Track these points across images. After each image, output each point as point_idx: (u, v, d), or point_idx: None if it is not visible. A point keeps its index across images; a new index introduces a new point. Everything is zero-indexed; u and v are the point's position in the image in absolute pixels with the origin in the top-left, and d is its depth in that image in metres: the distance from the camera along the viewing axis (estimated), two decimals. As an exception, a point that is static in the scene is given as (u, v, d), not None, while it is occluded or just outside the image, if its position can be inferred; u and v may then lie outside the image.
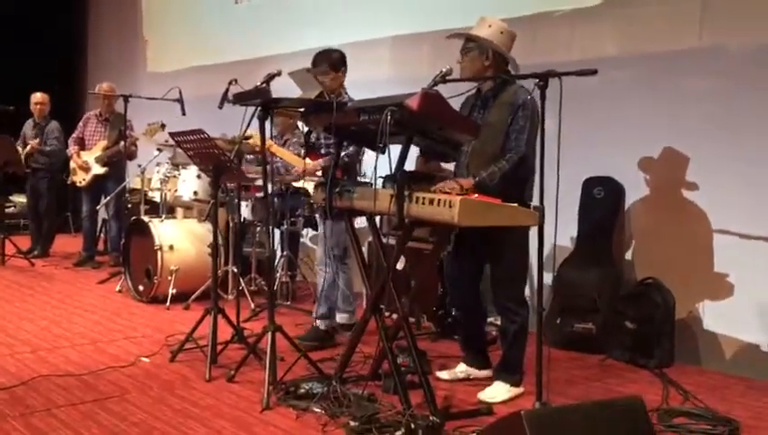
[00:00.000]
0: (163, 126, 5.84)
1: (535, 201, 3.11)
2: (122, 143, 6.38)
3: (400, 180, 2.92)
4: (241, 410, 3.22)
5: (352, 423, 2.97)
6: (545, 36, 4.86)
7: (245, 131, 4.11)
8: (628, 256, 4.51)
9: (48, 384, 3.50)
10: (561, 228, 4.46)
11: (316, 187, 3.71)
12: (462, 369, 3.75)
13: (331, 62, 4.21)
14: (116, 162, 6.65)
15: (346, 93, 4.21)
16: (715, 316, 4.11)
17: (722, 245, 4.07)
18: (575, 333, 4.39)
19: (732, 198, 4.00)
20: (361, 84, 5.22)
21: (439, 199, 2.81)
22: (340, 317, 4.41)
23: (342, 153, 4.11)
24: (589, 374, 3.93)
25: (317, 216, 4.39)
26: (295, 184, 4.46)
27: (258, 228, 5.60)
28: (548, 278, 4.54)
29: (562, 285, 4.51)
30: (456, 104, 3.47)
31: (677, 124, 4.22)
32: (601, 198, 4.53)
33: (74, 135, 6.98)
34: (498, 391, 3.43)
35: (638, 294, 4.23)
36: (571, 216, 4.58)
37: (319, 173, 4.25)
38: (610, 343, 4.23)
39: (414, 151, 3.43)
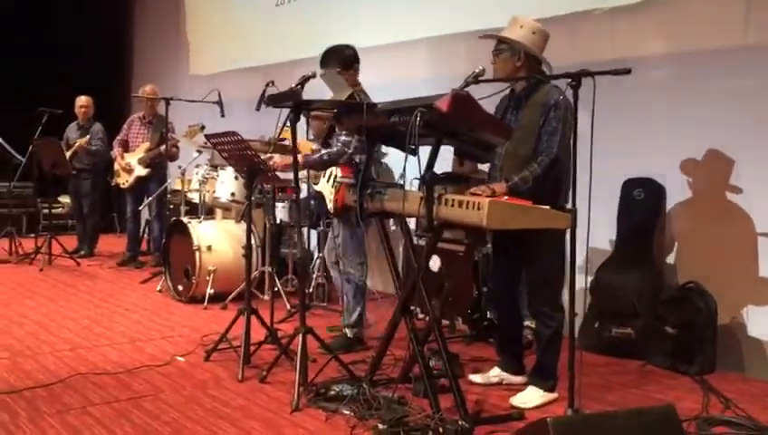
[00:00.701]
0: (203, 128, 5.90)
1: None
2: (164, 145, 6.48)
3: (429, 182, 2.90)
4: (271, 411, 3.23)
5: (381, 426, 2.95)
6: (584, 35, 4.77)
7: (280, 133, 4.14)
8: (669, 259, 4.39)
9: (85, 382, 3.57)
10: (600, 230, 4.44)
11: (348, 188, 3.71)
12: (495, 373, 3.70)
13: (342, 59, 4.13)
14: (158, 164, 6.77)
15: (362, 92, 4.07)
16: (759, 322, 3.97)
17: (766, 249, 3.92)
18: (614, 338, 4.29)
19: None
20: (399, 85, 5.21)
21: (468, 202, 2.78)
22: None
23: (324, 151, 4.11)
24: (626, 380, 3.84)
25: (334, 220, 4.34)
26: (316, 187, 4.45)
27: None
28: (586, 282, 4.49)
29: (601, 288, 4.42)
30: (490, 104, 3.45)
31: (719, 124, 4.09)
32: (642, 200, 4.43)
33: (119, 137, 7.16)
34: (531, 397, 3.38)
35: (679, 299, 4.11)
36: (610, 218, 4.49)
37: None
38: (650, 348, 4.13)
39: (450, 152, 3.42)
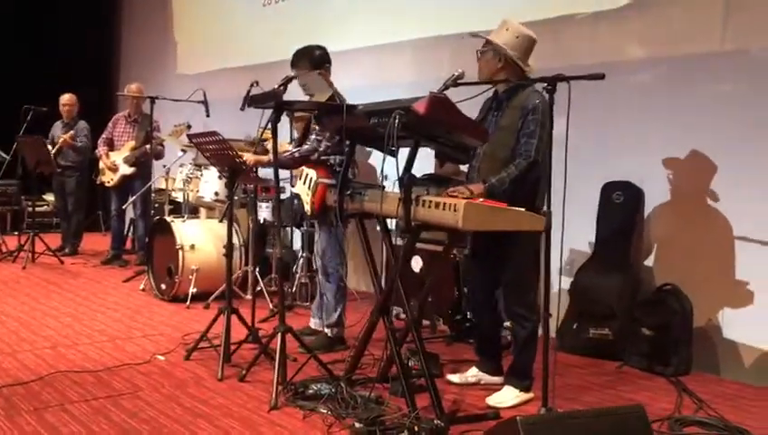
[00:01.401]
0: (189, 127, 5.93)
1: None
2: (149, 144, 6.48)
3: (407, 184, 2.93)
4: (249, 410, 3.25)
5: (357, 425, 2.98)
6: (568, 39, 4.82)
7: (262, 134, 4.16)
8: (647, 262, 4.44)
9: (64, 380, 3.58)
10: (579, 233, 4.49)
11: (329, 188, 3.74)
12: (473, 373, 3.74)
13: (312, 60, 4.17)
14: (143, 162, 6.78)
15: (336, 93, 4.07)
16: (734, 325, 4.03)
17: (742, 252, 3.98)
18: (592, 339, 4.34)
19: (753, 206, 3.91)
20: (385, 87, 5.25)
21: (445, 203, 2.82)
22: (314, 323, 4.44)
23: (294, 149, 4.14)
24: (603, 381, 3.89)
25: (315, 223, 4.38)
26: (292, 190, 4.48)
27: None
28: (565, 284, 4.54)
29: (579, 290, 4.47)
30: (472, 106, 3.49)
31: (699, 129, 4.15)
32: (620, 203, 4.48)
33: (104, 136, 7.14)
34: (506, 396, 3.42)
35: (655, 301, 4.17)
36: (589, 220, 4.54)
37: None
38: (627, 349, 4.18)
39: (433, 154, 3.45)
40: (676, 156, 4.26)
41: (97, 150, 7.14)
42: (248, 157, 4.15)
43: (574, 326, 4.42)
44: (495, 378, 3.67)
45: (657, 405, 3.42)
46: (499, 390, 3.50)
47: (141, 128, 6.88)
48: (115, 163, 6.91)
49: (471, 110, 3.26)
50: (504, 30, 3.45)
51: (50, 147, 7.23)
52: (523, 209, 2.94)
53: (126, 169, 6.85)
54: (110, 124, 7.19)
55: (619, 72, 4.25)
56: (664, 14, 4.35)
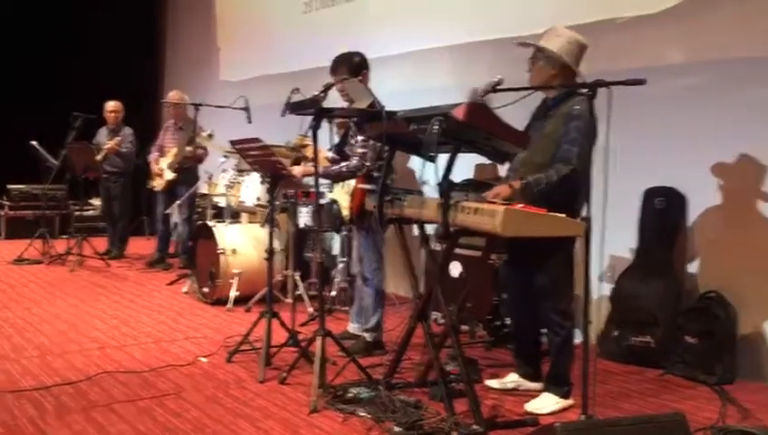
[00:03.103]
0: (210, 136, 6.15)
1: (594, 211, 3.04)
2: (188, 148, 6.69)
3: (446, 189, 2.95)
4: (289, 412, 3.30)
5: (396, 429, 3.01)
6: (608, 44, 4.77)
7: (303, 139, 4.23)
8: (691, 268, 4.37)
9: (111, 380, 3.68)
10: (620, 239, 4.44)
11: (368, 194, 3.77)
12: (512, 379, 3.73)
13: (351, 66, 4.22)
14: (188, 168, 6.93)
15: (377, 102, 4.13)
16: (781, 333, 3.95)
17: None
18: (633, 346, 4.29)
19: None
20: (423, 92, 5.26)
21: (484, 208, 2.83)
22: (353, 327, 4.46)
23: (343, 164, 4.17)
24: (644, 389, 3.84)
25: (353, 228, 4.41)
26: (330, 195, 4.52)
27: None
28: (606, 290, 4.49)
29: (621, 297, 4.42)
30: (512, 111, 3.48)
31: (743, 134, 4.07)
32: (663, 209, 4.42)
33: (156, 142, 7.36)
34: (546, 403, 3.40)
35: (699, 308, 4.10)
36: (631, 227, 4.50)
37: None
38: (670, 357, 4.12)
39: (472, 159, 3.45)
40: (720, 160, 4.19)
41: (149, 156, 7.33)
42: (297, 169, 4.21)
43: (615, 333, 4.37)
44: (535, 384, 3.65)
45: (701, 414, 3.38)
46: (538, 396, 3.49)
47: (185, 134, 7.02)
48: (162, 169, 7.07)
49: (514, 116, 3.24)
50: (554, 36, 3.43)
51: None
52: (563, 215, 2.93)
53: (169, 175, 7.01)
54: (161, 131, 7.39)
55: (660, 77, 4.20)
56: (705, 17, 4.29)
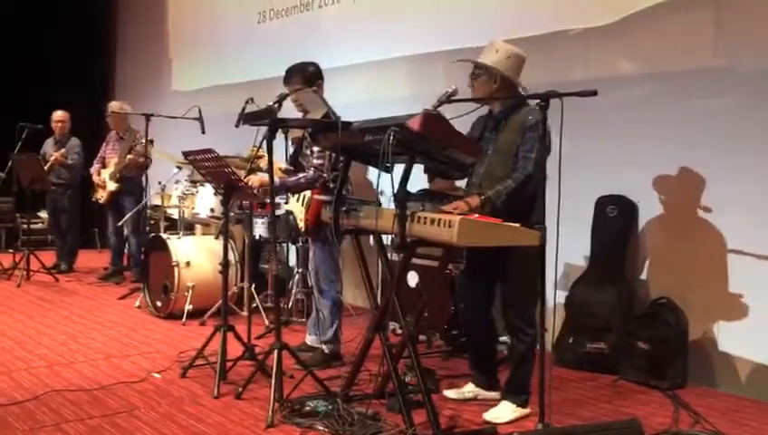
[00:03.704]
0: (151, 142, 6.22)
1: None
2: (128, 156, 6.64)
3: (402, 200, 2.95)
4: (245, 428, 3.24)
5: (354, 442, 2.98)
6: (560, 55, 4.86)
7: (257, 150, 4.18)
8: (642, 275, 4.46)
9: (59, 399, 3.56)
10: (574, 247, 4.50)
11: (324, 205, 3.75)
12: (470, 389, 3.73)
13: (305, 76, 4.20)
14: (130, 178, 6.81)
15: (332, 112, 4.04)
16: (729, 337, 4.04)
17: (736, 265, 4.00)
18: (588, 353, 4.34)
19: (746, 218, 3.94)
20: (379, 103, 5.27)
21: (440, 219, 2.83)
22: (310, 339, 4.43)
23: (301, 175, 4.15)
24: (599, 395, 3.89)
25: (309, 239, 4.39)
26: (286, 206, 4.48)
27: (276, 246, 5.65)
28: (561, 298, 4.54)
29: (575, 304, 4.48)
30: (466, 123, 3.52)
31: (691, 143, 4.18)
32: (615, 217, 4.50)
33: (99, 155, 7.20)
34: (504, 412, 3.41)
35: (651, 315, 4.18)
36: (584, 235, 4.56)
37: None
38: (623, 363, 4.19)
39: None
40: (668, 170, 4.29)
41: (91, 169, 7.18)
42: (254, 179, 4.17)
43: (570, 341, 4.42)
44: (492, 393, 3.66)
45: (654, 419, 3.43)
46: (496, 405, 3.50)
47: (125, 144, 6.90)
48: (104, 180, 6.94)
49: (463, 127, 3.28)
50: (493, 51, 3.47)
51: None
52: (518, 225, 2.95)
53: (112, 186, 6.87)
54: (104, 143, 7.24)
55: (611, 88, 4.28)
56: (655, 29, 4.39)
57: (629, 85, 4.49)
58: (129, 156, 6.71)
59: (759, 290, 3.90)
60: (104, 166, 7.08)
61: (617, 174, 4.48)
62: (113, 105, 7.14)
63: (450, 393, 3.73)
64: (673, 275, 4.28)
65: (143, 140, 6.26)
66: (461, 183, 4.17)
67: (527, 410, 3.44)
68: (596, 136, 4.50)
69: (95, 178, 7.05)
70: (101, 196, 7.00)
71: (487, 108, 3.58)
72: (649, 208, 4.40)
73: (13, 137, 7.15)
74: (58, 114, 7.60)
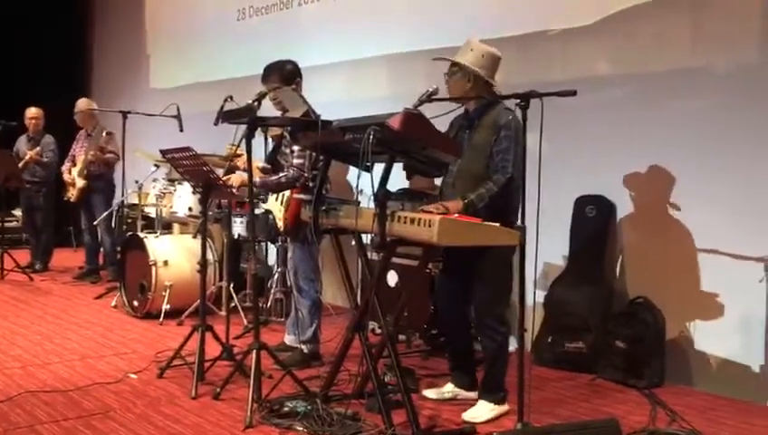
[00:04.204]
0: (109, 134, 6.34)
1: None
2: (91, 153, 6.58)
3: (382, 199, 2.94)
4: (223, 429, 3.22)
5: (333, 442, 2.97)
6: (538, 55, 4.87)
7: (236, 150, 4.16)
8: (620, 274, 4.49)
9: (34, 400, 3.51)
10: (553, 247, 4.52)
11: (304, 204, 3.73)
12: (449, 389, 3.73)
13: (283, 74, 4.17)
14: (100, 175, 6.74)
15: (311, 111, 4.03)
16: (705, 336, 4.08)
17: (711, 264, 4.04)
18: (566, 352, 4.36)
19: (723, 218, 3.98)
20: (359, 102, 5.25)
21: (420, 219, 2.83)
22: (289, 339, 4.42)
23: (282, 174, 4.13)
24: (577, 394, 3.91)
25: (288, 238, 4.36)
26: (264, 206, 4.45)
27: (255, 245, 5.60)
28: (540, 297, 4.56)
29: (554, 303, 4.50)
30: (446, 122, 3.52)
31: (668, 143, 4.21)
32: (593, 217, 4.52)
33: (70, 153, 7.11)
34: (482, 411, 3.42)
35: (628, 314, 4.21)
36: (563, 234, 4.58)
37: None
38: (601, 362, 4.21)
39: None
40: (645, 169, 4.32)
41: (62, 167, 7.09)
42: (235, 178, 4.13)
43: (549, 340, 4.44)
44: (471, 393, 3.66)
45: (632, 418, 3.45)
46: (475, 405, 3.50)
47: (93, 141, 6.83)
48: (73, 178, 6.86)
49: (442, 126, 3.28)
50: (468, 50, 3.48)
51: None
52: (497, 224, 2.96)
53: (80, 182, 6.78)
54: (74, 142, 7.15)
55: (589, 88, 4.30)
56: (632, 31, 4.42)
57: (608, 86, 4.52)
58: (91, 152, 6.63)
59: (735, 290, 3.94)
60: (74, 164, 7.00)
61: (595, 174, 4.50)
62: (80, 103, 7.06)
63: (430, 393, 3.73)
64: (650, 275, 4.31)
65: (102, 133, 6.20)
66: (440, 181, 4.18)
67: (505, 408, 3.45)
68: (575, 136, 4.52)
69: (66, 177, 6.97)
70: (72, 194, 6.91)
71: (462, 107, 3.59)
72: (628, 209, 4.43)
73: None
74: (32, 111, 7.49)
